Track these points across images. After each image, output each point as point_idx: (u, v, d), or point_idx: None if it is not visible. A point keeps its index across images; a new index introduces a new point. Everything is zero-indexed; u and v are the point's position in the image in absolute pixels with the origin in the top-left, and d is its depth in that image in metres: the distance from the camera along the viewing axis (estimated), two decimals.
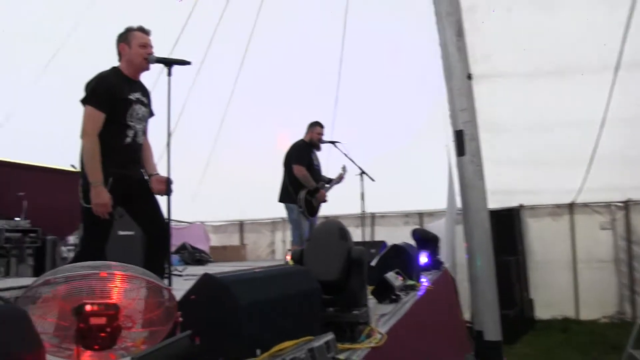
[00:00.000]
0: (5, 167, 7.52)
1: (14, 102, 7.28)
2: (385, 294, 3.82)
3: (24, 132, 7.31)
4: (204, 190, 10.20)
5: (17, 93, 7.27)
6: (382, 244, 6.76)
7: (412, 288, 4.39)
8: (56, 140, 6.46)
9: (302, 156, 6.72)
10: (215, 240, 11.09)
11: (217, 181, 9.93)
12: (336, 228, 3.00)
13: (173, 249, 8.88)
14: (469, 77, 5.50)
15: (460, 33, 5.50)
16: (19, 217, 6.58)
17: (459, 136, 5.45)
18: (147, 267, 3.43)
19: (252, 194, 9.55)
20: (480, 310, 5.36)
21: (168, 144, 3.38)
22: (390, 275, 4.11)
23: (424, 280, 5.09)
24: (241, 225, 11.25)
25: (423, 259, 5.72)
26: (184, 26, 8.09)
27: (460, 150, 5.45)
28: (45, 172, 7.43)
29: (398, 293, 3.90)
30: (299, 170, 6.59)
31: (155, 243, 3.57)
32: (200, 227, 10.83)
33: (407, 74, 8.36)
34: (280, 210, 6.97)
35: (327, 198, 6.85)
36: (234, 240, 11.16)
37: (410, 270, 4.65)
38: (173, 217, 10.47)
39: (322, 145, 6.99)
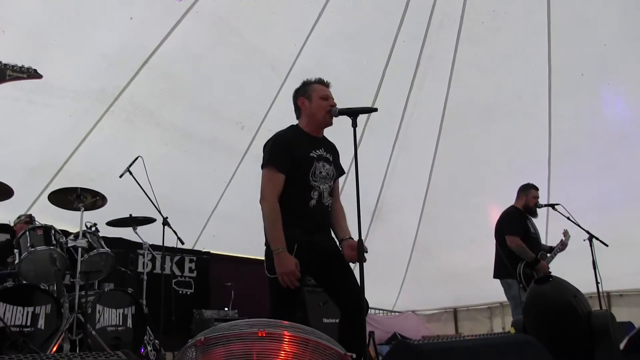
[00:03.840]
0: (221, 260, 7.90)
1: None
2: None
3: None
4: (411, 275, 9.73)
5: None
6: (628, 325, 5.59)
7: None
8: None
9: (516, 225, 6.02)
10: (429, 330, 10.34)
11: (425, 265, 9.40)
12: (567, 288, 2.38)
13: (383, 339, 8.44)
14: None
15: None
16: (227, 307, 6.82)
17: None
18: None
19: (463, 277, 8.85)
20: None
21: (357, 199, 2.96)
22: None
23: None
24: (455, 313, 10.38)
25: None
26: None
27: None
28: (249, 264, 7.57)
29: None
30: (513, 241, 5.88)
31: (349, 319, 3.09)
32: (411, 317, 10.26)
33: None
34: (497, 294, 6.27)
35: (549, 270, 5.94)
36: (448, 330, 10.28)
37: None
38: (381, 306, 10.13)
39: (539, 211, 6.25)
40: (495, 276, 6.12)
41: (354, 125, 3.08)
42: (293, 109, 3.51)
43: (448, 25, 7.59)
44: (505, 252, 5.93)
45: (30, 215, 5.22)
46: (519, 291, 5.76)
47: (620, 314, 7.81)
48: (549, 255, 6.11)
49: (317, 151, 3.32)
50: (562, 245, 6.19)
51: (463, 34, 7.62)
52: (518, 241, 5.86)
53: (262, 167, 3.26)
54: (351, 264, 3.25)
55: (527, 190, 6.22)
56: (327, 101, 3.34)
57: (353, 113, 3.11)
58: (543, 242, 6.38)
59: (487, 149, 8.51)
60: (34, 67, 2.85)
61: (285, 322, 1.67)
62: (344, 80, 6.81)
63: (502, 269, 6.00)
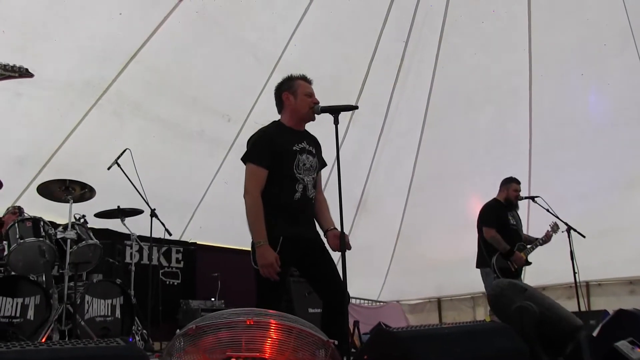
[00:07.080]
0: (207, 251, 7.94)
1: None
2: None
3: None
4: (396, 266, 9.85)
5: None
6: (603, 312, 5.74)
7: None
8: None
9: (492, 217, 6.24)
10: (412, 320, 10.47)
11: (409, 255, 9.52)
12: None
13: (367, 329, 8.54)
14: None
15: None
16: (213, 297, 6.91)
17: None
18: None
19: (447, 267, 8.99)
20: None
21: (340, 196, 3.04)
22: (623, 345, 3.24)
23: None
24: (439, 303, 10.53)
25: None
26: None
27: None
28: (235, 255, 7.58)
29: None
30: (488, 232, 6.13)
31: (330, 309, 3.21)
32: (396, 307, 10.36)
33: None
34: (480, 284, 6.43)
35: (527, 261, 6.19)
36: (432, 319, 10.42)
37: None
38: (366, 296, 10.21)
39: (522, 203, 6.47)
40: (477, 266, 6.33)
41: (336, 122, 3.16)
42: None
43: (432, 17, 7.70)
44: (483, 242, 6.18)
45: (19, 206, 5.26)
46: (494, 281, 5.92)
47: (599, 303, 8.04)
48: (528, 246, 6.23)
49: (300, 144, 3.40)
50: (547, 237, 6.28)
51: (447, 26, 7.75)
52: (492, 232, 6.08)
53: (244, 161, 3.35)
54: (334, 255, 3.35)
55: (509, 184, 6.36)
56: (311, 98, 3.43)
57: (335, 111, 3.19)
58: (526, 233, 6.53)
59: (470, 140, 8.67)
60: (25, 67, 2.90)
61: (272, 310, 1.75)
62: (330, 74, 6.93)
63: (481, 259, 6.24)
